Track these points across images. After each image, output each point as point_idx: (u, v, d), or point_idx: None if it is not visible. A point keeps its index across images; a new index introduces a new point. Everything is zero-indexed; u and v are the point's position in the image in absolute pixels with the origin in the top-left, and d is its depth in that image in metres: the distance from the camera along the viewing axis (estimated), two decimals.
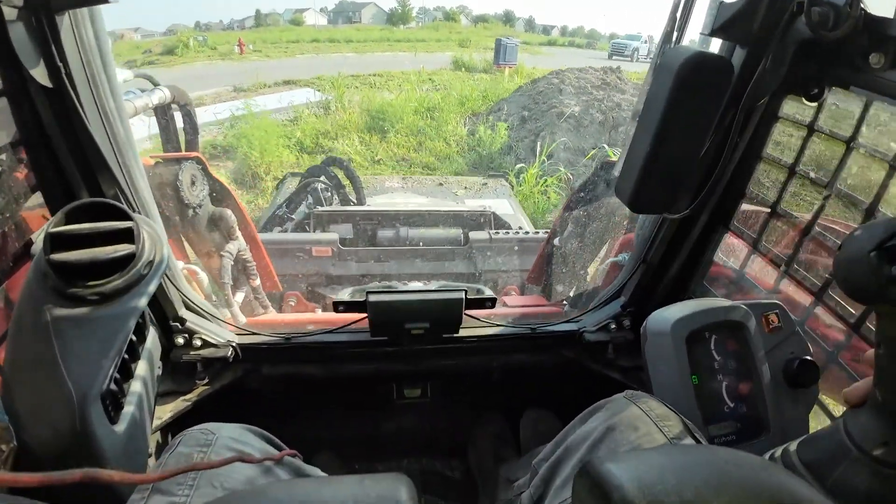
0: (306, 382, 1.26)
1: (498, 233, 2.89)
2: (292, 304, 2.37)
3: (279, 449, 0.69)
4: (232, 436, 0.63)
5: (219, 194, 1.91)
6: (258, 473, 0.58)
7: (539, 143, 7.02)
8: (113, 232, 0.70)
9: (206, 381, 1.13)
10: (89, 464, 0.37)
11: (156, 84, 1.98)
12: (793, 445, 0.53)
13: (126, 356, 0.72)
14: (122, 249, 0.68)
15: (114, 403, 0.68)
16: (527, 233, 2.93)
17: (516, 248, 2.81)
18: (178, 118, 2.21)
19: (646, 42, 23.65)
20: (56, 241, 0.65)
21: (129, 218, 0.71)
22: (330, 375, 1.25)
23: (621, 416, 0.69)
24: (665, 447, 0.30)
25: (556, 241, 2.06)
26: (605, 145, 6.66)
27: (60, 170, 0.85)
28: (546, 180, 6.04)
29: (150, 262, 0.72)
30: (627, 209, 1.77)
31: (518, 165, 6.71)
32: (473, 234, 2.89)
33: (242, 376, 1.19)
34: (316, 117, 8.80)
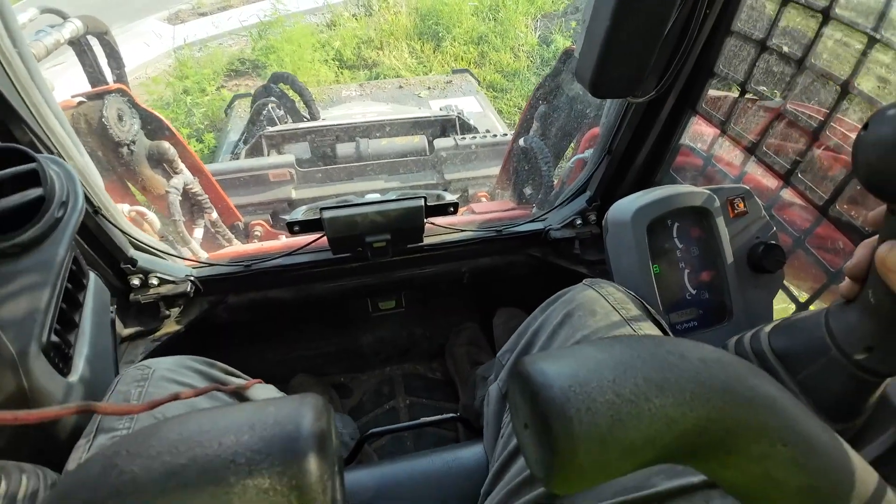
0: (278, 307, 1.25)
1: (464, 137, 2.73)
2: (258, 233, 2.29)
3: (230, 375, 0.68)
4: (169, 367, 0.63)
5: (153, 126, 1.73)
6: (200, 401, 0.58)
7: None
8: (18, 177, 0.61)
9: (171, 318, 1.10)
10: None
11: (65, 17, 1.70)
12: (765, 329, 0.51)
13: (64, 306, 0.67)
14: (29, 195, 0.60)
15: (60, 355, 0.64)
16: (494, 135, 2.77)
17: (484, 152, 2.68)
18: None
19: None
20: None
21: (32, 160, 0.63)
22: (300, 297, 1.23)
23: (579, 301, 0.68)
24: (605, 341, 0.27)
25: (521, 142, 1.97)
26: None
27: None
28: None
29: (64, 204, 0.64)
30: (591, 98, 1.69)
31: None
32: (438, 142, 2.74)
33: (209, 309, 1.16)
34: (357, 20, 6.74)
